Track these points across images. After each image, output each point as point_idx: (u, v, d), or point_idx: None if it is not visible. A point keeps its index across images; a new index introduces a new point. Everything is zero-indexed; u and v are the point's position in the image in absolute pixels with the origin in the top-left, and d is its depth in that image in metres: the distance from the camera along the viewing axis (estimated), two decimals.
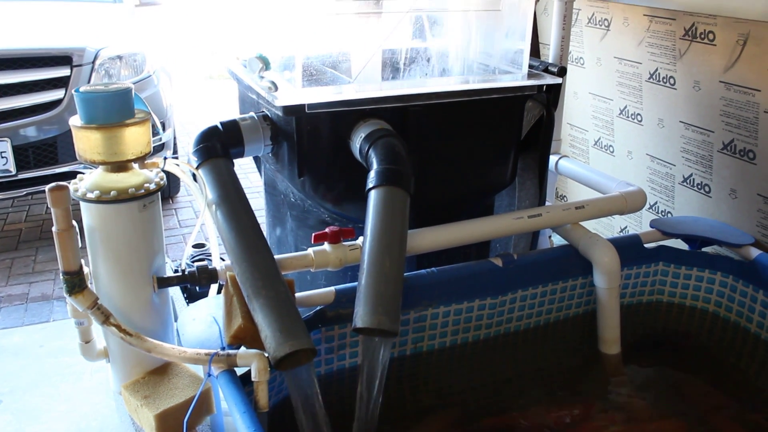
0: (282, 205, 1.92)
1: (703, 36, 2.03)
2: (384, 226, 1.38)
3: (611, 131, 2.54)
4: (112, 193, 1.38)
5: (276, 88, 1.55)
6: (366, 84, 1.67)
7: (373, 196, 1.43)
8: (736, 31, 1.92)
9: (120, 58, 3.63)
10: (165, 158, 1.47)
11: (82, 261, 1.42)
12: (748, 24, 1.89)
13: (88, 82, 3.50)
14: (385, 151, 1.48)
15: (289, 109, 1.54)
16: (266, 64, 1.71)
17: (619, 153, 2.53)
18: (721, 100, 2.03)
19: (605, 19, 2.39)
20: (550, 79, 1.81)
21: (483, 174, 1.89)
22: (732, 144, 2.05)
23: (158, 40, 4.63)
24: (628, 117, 2.43)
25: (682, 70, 2.14)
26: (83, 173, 1.50)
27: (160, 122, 3.58)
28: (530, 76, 1.85)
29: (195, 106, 7.24)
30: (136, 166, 1.45)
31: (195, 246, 2.62)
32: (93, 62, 3.53)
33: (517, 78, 1.82)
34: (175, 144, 3.97)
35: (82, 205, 1.43)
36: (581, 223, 1.90)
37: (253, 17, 2.04)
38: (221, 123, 1.67)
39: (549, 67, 1.90)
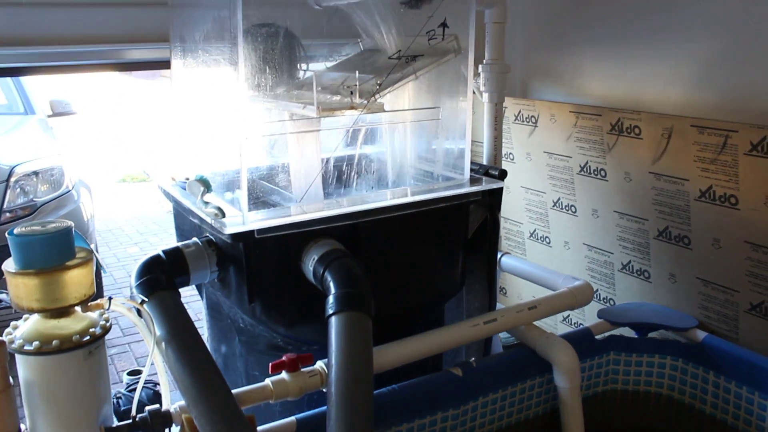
0: (228, 330, 1.83)
1: (629, 130, 2.11)
2: (349, 355, 1.33)
3: (546, 223, 2.59)
4: (54, 342, 1.27)
5: (223, 215, 1.50)
6: (313, 203, 1.64)
7: (334, 323, 1.37)
8: (660, 125, 2.01)
9: (36, 173, 3.49)
10: (110, 298, 1.38)
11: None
12: (671, 119, 1.99)
13: (2, 200, 3.34)
14: (341, 273, 1.44)
15: (237, 236, 1.49)
16: (207, 187, 1.66)
17: (556, 244, 2.58)
18: (652, 189, 2.10)
19: (532, 116, 2.47)
20: (492, 184, 1.83)
21: (434, 282, 1.87)
22: (667, 231, 2.11)
23: (74, 149, 4.50)
24: (562, 209, 2.48)
25: (612, 163, 2.21)
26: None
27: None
28: (472, 180, 1.86)
29: (110, 211, 7.04)
30: (78, 309, 1.35)
31: (131, 373, 2.47)
32: (7, 180, 3.38)
33: (460, 184, 1.83)
34: (96, 260, 3.81)
35: (18, 357, 1.31)
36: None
37: (187, 137, 2.00)
38: (164, 252, 1.59)
39: (489, 171, 1.92)
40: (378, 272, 1.70)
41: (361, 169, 1.91)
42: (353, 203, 1.62)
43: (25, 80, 4.76)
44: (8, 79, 4.70)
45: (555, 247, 2.60)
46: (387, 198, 1.67)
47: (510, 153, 2.62)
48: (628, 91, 2.25)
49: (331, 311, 1.39)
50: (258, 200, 1.66)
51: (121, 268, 5.12)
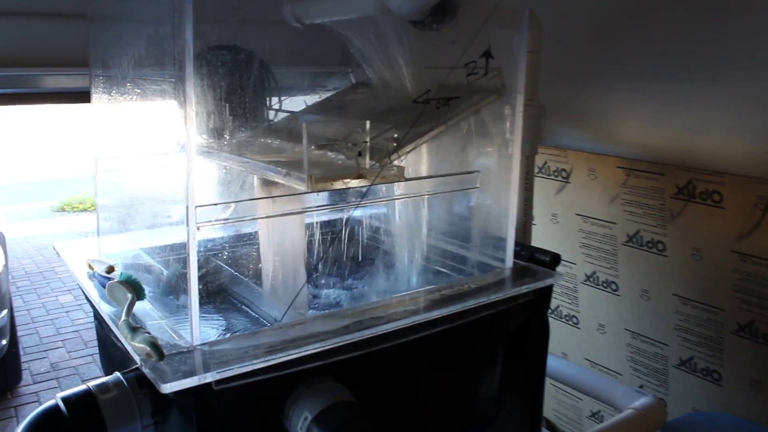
0: None
1: (704, 196, 1.62)
2: None
3: (574, 300, 2.08)
4: None
5: (159, 356, 0.93)
6: (300, 325, 1.07)
7: None
8: (753, 192, 1.53)
9: None
10: None
11: None
12: None
13: None
14: None
15: (183, 393, 0.92)
16: (137, 294, 1.09)
17: (587, 325, 2.07)
18: (734, 273, 1.61)
19: (562, 170, 1.96)
20: (546, 278, 1.31)
21: (462, 413, 1.33)
22: (752, 326, 1.62)
23: None
24: (597, 284, 1.98)
25: (676, 235, 1.72)
26: None
27: None
28: (515, 270, 1.34)
29: (43, 248, 6.31)
30: None
31: None
32: None
33: (500, 279, 1.30)
34: (12, 326, 3.12)
35: None
36: None
37: (112, 200, 1.43)
38: (65, 401, 1.01)
39: (536, 255, 1.40)
40: (389, 408, 1.16)
41: (363, 251, 1.37)
42: (360, 324, 1.06)
43: None
44: None
45: (584, 330, 2.08)
46: (407, 310, 1.12)
47: None
48: (673, 140, 1.76)
49: None
50: (215, 316, 1.10)
51: (50, 323, 4.40)
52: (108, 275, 1.22)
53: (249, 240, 1.44)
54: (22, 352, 3.83)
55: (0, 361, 3.00)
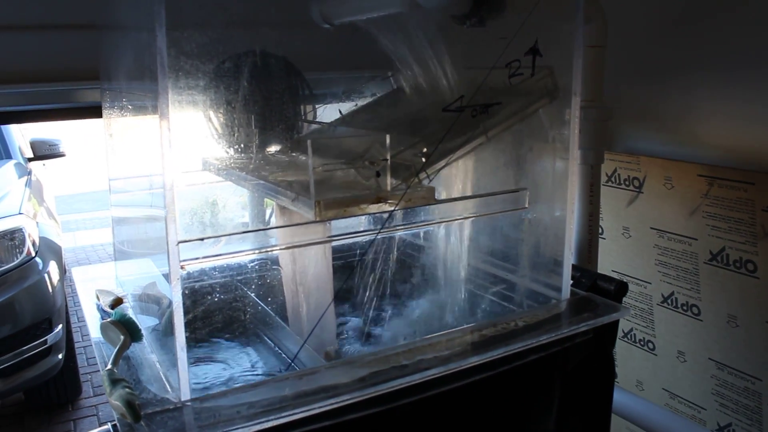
0: None
1: None
2: None
3: (649, 323, 1.85)
4: None
5: (134, 418, 0.79)
6: (309, 377, 0.91)
7: None
8: None
9: None
10: None
11: None
12: None
13: None
14: None
15: None
16: (134, 336, 0.97)
17: (664, 352, 1.83)
18: None
19: (635, 178, 1.74)
20: (612, 314, 1.11)
21: None
22: None
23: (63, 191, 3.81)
24: (677, 307, 1.75)
25: None
26: None
27: (45, 319, 2.73)
28: (573, 302, 1.15)
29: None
30: None
31: None
32: None
33: (556, 314, 1.11)
34: (69, 340, 3.09)
35: None
36: None
37: (119, 226, 1.31)
38: None
39: (599, 282, 1.20)
40: None
41: (392, 280, 1.21)
42: (380, 375, 0.89)
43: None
44: None
45: (662, 357, 1.85)
46: (438, 357, 0.95)
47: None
48: (766, 144, 1.52)
49: None
50: (232, 333, 0.96)
51: None
52: (111, 310, 1.11)
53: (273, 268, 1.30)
54: (86, 363, 3.83)
55: (58, 375, 2.98)
